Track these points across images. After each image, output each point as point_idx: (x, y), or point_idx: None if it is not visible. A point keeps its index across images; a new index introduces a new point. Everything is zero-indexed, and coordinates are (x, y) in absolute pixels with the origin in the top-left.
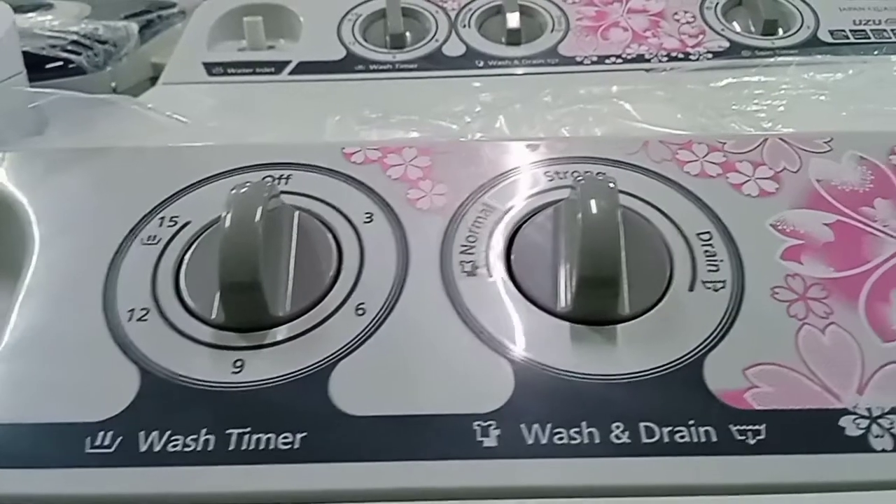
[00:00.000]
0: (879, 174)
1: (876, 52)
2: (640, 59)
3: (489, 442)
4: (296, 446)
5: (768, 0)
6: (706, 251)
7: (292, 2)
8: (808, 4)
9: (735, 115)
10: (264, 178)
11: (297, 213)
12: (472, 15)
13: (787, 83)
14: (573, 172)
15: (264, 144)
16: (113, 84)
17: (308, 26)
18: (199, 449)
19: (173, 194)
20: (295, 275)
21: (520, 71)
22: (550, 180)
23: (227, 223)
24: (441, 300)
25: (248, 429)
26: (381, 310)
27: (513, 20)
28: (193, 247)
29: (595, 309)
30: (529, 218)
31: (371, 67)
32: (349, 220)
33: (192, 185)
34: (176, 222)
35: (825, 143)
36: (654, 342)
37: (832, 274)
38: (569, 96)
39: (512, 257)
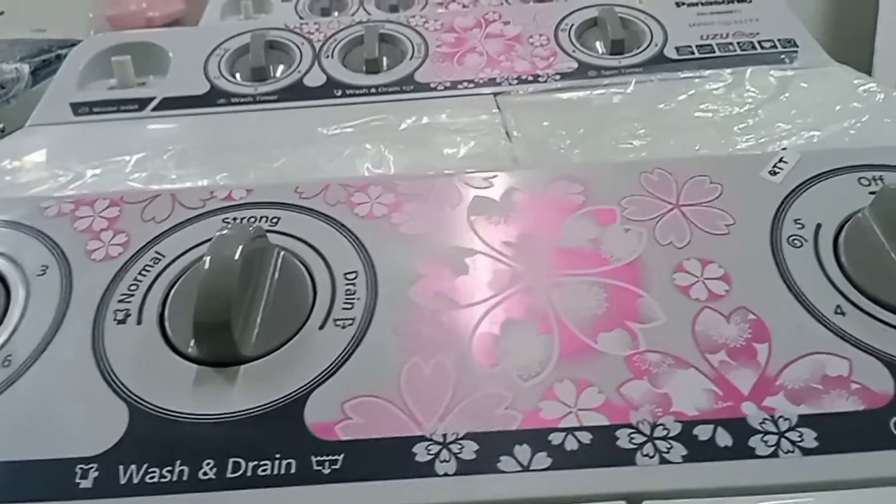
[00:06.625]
0: (530, 208)
1: (712, 68)
2: (491, 82)
3: (85, 484)
4: None
5: (616, 21)
6: (347, 290)
7: (164, 39)
8: (658, 22)
9: (536, 146)
10: None
11: None
12: (336, 45)
13: (615, 104)
14: (250, 218)
15: None
16: (0, 125)
17: (176, 62)
18: None
19: None
20: None
21: (375, 99)
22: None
23: None
24: (84, 349)
25: None
26: (26, 360)
27: (370, 50)
28: None
29: (213, 352)
30: (192, 265)
31: (233, 101)
32: (24, 273)
33: None
34: None
35: (491, 179)
36: (271, 381)
37: (453, 306)
38: (392, 128)
39: (167, 304)
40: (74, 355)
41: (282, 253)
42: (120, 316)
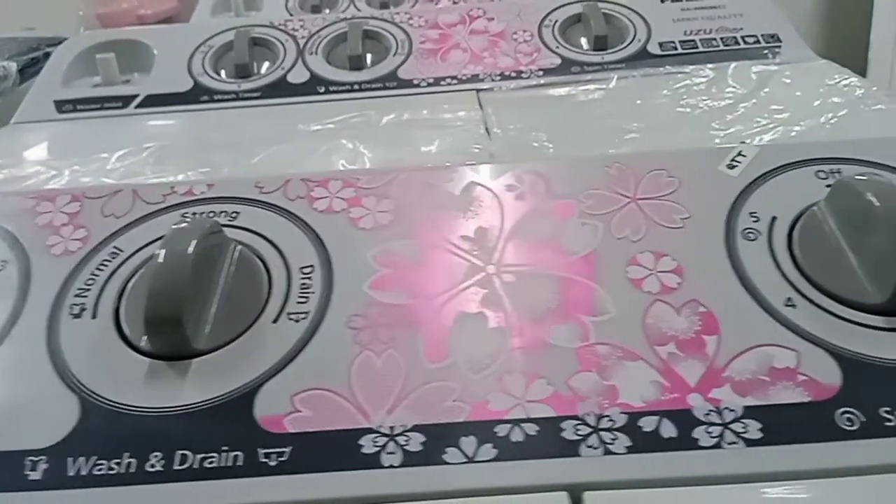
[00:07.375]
0: (490, 202)
1: (694, 64)
2: (474, 79)
3: (34, 475)
4: None
5: (600, 16)
6: (303, 284)
7: (149, 37)
8: (642, 17)
9: (514, 142)
10: None
11: None
12: (320, 42)
13: (596, 100)
14: (210, 213)
15: None
16: None
17: (161, 60)
18: None
19: None
20: None
21: (358, 96)
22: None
23: None
24: (39, 343)
25: None
26: None
27: (354, 46)
28: None
29: (164, 346)
30: (149, 260)
31: (216, 98)
32: None
33: None
34: None
35: (451, 174)
36: (223, 374)
37: (407, 300)
38: (373, 125)
39: (122, 299)
40: (29, 349)
41: (238, 247)
42: (76, 310)
